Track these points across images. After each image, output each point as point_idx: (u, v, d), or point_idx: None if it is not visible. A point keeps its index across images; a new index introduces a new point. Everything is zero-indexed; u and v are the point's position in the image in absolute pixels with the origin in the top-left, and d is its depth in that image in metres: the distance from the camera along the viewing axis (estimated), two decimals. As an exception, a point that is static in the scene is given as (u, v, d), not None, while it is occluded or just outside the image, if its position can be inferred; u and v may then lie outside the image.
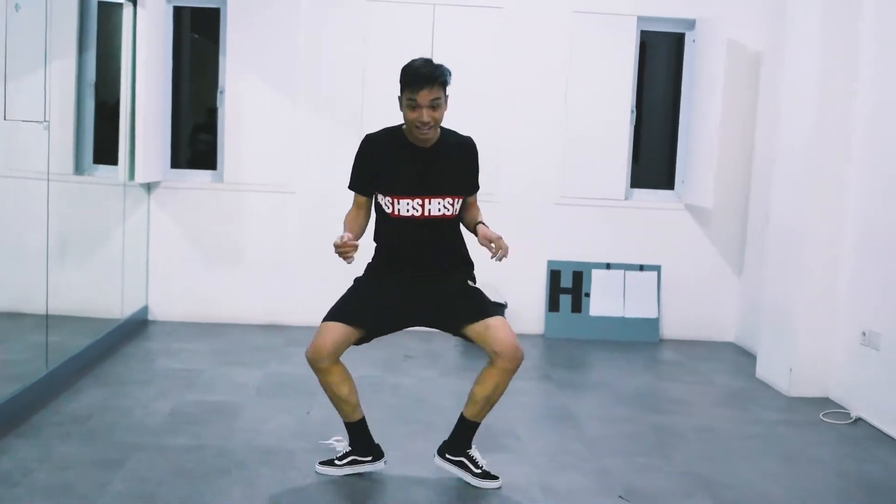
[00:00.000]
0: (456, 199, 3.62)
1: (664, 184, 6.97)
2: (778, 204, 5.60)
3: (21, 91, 4.68)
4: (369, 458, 3.83)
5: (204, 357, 5.66)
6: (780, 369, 5.44)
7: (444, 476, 3.85)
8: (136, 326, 6.30)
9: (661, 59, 7.17)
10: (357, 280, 3.79)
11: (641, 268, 6.66)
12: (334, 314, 3.64)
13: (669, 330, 6.74)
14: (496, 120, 6.52)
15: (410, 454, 4.11)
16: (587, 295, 6.64)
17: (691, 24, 6.60)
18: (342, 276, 6.44)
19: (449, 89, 3.52)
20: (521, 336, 6.49)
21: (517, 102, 6.53)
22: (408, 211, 3.55)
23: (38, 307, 5.02)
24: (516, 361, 3.65)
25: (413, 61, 3.51)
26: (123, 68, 5.97)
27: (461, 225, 3.78)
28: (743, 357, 6.32)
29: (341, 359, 3.68)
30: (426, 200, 3.54)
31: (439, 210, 3.57)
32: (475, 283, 3.81)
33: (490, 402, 3.72)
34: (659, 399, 5.28)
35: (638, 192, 6.79)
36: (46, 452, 3.88)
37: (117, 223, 6.10)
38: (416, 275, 3.63)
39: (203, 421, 4.44)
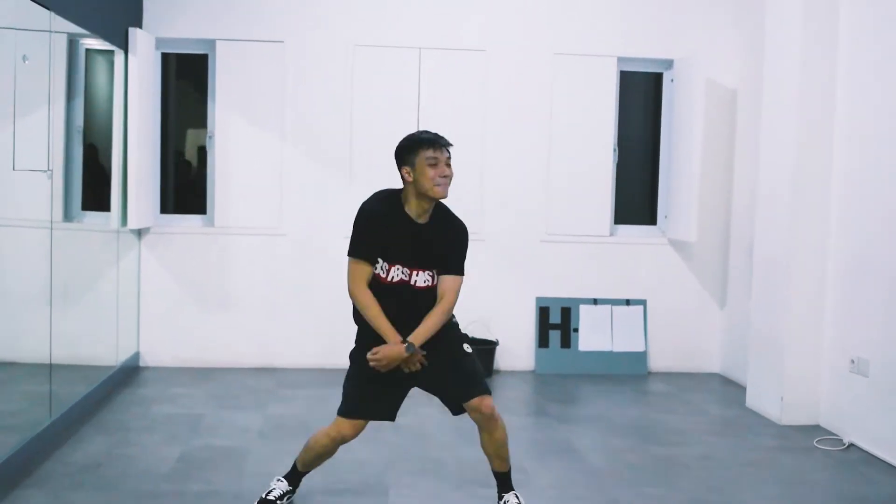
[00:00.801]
0: (438, 273, 3.72)
1: (647, 219, 7.14)
2: (762, 236, 5.77)
3: (26, 140, 4.71)
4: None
5: (202, 402, 5.66)
6: (771, 398, 5.58)
7: (462, 513, 3.90)
8: (129, 373, 6.28)
9: (640, 98, 7.38)
10: (353, 359, 3.83)
11: (628, 302, 6.80)
12: (351, 410, 3.76)
13: (657, 362, 6.87)
14: (481, 159, 6.65)
15: (423, 494, 4.15)
16: (576, 330, 6.75)
17: (669, 63, 6.81)
18: (331, 319, 6.53)
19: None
20: (512, 373, 6.65)
21: (502, 142, 6.67)
22: (397, 276, 3.65)
23: (35, 356, 5.01)
24: (499, 426, 3.76)
25: (421, 131, 3.78)
26: (115, 115, 6.01)
27: None
28: (730, 387, 6.46)
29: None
30: (413, 272, 3.65)
31: (424, 282, 3.68)
32: (469, 342, 3.86)
33: (502, 456, 3.84)
34: (656, 430, 5.37)
35: (622, 227, 6.94)
36: (61, 502, 3.87)
37: (110, 269, 6.10)
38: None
39: (213, 466, 4.44)
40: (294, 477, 3.91)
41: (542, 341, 6.73)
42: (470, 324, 6.61)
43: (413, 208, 3.66)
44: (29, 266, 5.04)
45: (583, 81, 6.73)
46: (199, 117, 6.81)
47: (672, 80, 6.81)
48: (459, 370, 3.71)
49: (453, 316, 3.84)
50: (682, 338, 6.90)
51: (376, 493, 4.13)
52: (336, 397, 5.52)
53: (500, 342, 6.64)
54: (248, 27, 6.50)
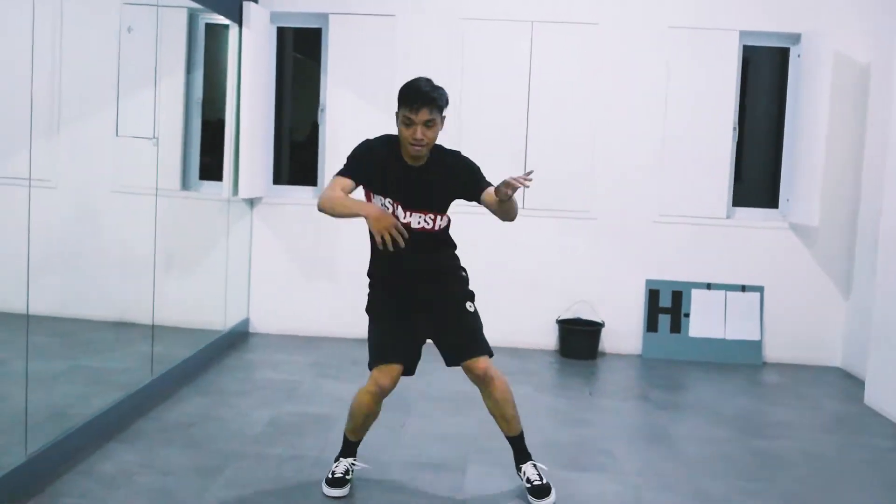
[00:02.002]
0: (438, 216, 3.65)
1: (768, 202, 6.79)
2: (890, 221, 5.38)
3: (132, 109, 4.87)
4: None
5: (302, 369, 5.76)
6: (890, 395, 5.22)
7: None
8: (238, 338, 6.45)
9: (764, 74, 7.01)
10: (368, 312, 3.84)
11: (743, 288, 6.49)
12: (379, 356, 3.71)
13: (773, 353, 6.53)
14: (593, 136, 6.47)
15: (502, 472, 4.07)
16: (686, 315, 6.50)
17: (796, 38, 6.43)
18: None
19: (448, 112, 3.63)
20: (618, 356, 6.46)
21: (615, 118, 6.47)
22: (423, 224, 3.63)
23: (145, 317, 5.21)
24: (496, 385, 3.77)
25: (415, 80, 3.59)
26: (229, 87, 6.15)
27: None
28: (850, 382, 6.08)
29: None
30: (409, 213, 3.59)
31: (419, 223, 3.60)
32: (473, 300, 3.81)
33: (506, 417, 3.82)
34: (761, 422, 5.12)
35: (740, 210, 6.62)
36: (149, 458, 4.00)
37: (221, 238, 6.27)
38: (410, 281, 3.68)
39: (301, 432, 4.50)
40: (349, 449, 3.87)
41: (651, 325, 6.52)
42: (575, 303, 6.48)
43: (406, 154, 3.61)
44: (137, 232, 5.23)
45: (701, 57, 6.43)
46: (314, 91, 6.90)
47: (799, 56, 6.43)
48: (461, 327, 3.70)
49: (464, 270, 3.80)
50: (801, 328, 6.53)
51: (454, 469, 4.09)
52: (433, 370, 5.51)
53: (605, 324, 6.47)
54: (360, 1, 6.52)
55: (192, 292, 6.30)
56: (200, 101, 6.52)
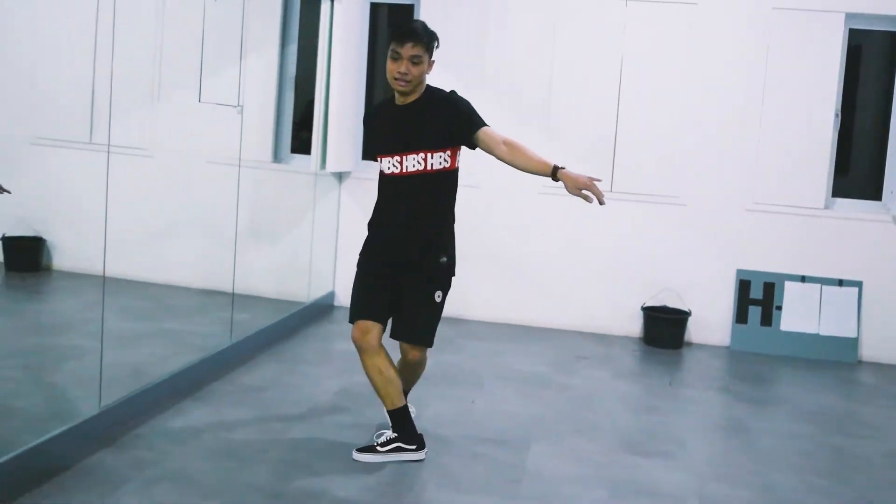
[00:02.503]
0: (431, 154, 3.61)
1: (871, 194, 6.47)
2: None
3: (219, 77, 4.97)
4: (414, 447, 3.79)
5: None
6: None
7: (603, 473, 3.74)
8: (322, 310, 6.54)
9: (877, 62, 6.68)
10: (358, 264, 3.84)
11: (840, 283, 6.21)
12: (362, 312, 3.73)
13: (870, 351, 6.23)
14: (686, 120, 6.28)
15: (565, 452, 4.01)
16: (778, 308, 6.26)
17: (909, 21, 6.11)
18: (520, 274, 6.46)
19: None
20: (704, 347, 6.28)
21: (709, 102, 6.26)
22: (388, 168, 3.66)
23: (230, 286, 5.33)
24: (416, 371, 3.97)
25: (410, 20, 3.66)
26: (320, 63, 6.22)
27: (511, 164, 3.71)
28: (952, 385, 5.75)
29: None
30: (403, 157, 3.61)
31: (414, 166, 3.61)
32: (444, 290, 3.81)
33: (408, 382, 3.98)
34: (847, 421, 4.88)
35: (840, 201, 6.33)
36: (217, 417, 4.09)
37: (307, 211, 6.36)
38: (399, 249, 3.70)
39: (368, 402, 4.52)
40: (396, 420, 3.81)
41: (741, 316, 6.30)
42: (661, 291, 6.33)
43: (397, 96, 3.67)
44: (225, 202, 5.34)
45: (804, 39, 6.15)
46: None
47: (911, 40, 6.10)
48: (418, 312, 3.72)
49: (448, 255, 3.78)
50: (902, 326, 6.22)
51: (517, 446, 4.03)
52: (511, 351, 5.52)
53: (692, 313, 6.29)
54: (454, -23, 6.51)
55: (278, 263, 6.43)
56: (294, 75, 6.63)
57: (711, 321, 6.36)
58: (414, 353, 3.80)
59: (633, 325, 6.43)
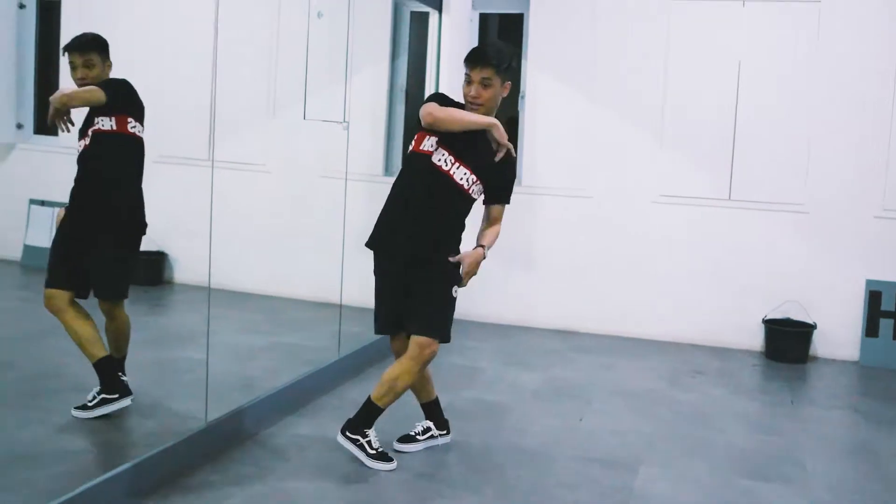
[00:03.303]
0: (476, 182, 3.61)
1: None
2: None
3: (326, 94, 5.02)
4: (444, 432, 4.05)
5: (488, 356, 5.73)
6: None
7: (716, 498, 3.56)
8: (432, 323, 6.51)
9: None
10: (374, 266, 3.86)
11: (981, 292, 5.79)
12: (386, 326, 3.90)
13: None
14: (808, 122, 5.98)
15: (675, 474, 3.84)
16: (913, 320, 5.89)
17: None
18: (632, 285, 6.28)
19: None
20: (832, 362, 5.96)
21: (833, 103, 5.93)
22: (438, 160, 3.59)
23: (346, 298, 5.37)
24: (413, 361, 3.72)
25: (486, 41, 3.56)
26: (428, 75, 6.22)
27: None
28: None
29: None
30: (457, 163, 3.58)
31: (460, 179, 3.58)
32: (457, 285, 3.70)
33: (393, 389, 3.74)
34: None
35: (984, 205, 5.91)
36: (322, 433, 4.10)
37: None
38: (407, 247, 3.66)
39: (474, 418, 4.47)
40: (431, 414, 4.04)
41: (871, 330, 5.94)
42: (784, 303, 6.04)
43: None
44: (335, 215, 5.40)
45: (940, 35, 5.78)
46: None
47: None
48: (427, 304, 3.66)
49: (453, 264, 3.66)
50: None
51: (625, 468, 3.89)
52: (623, 365, 5.36)
53: (818, 326, 5.98)
54: (563, -16, 6.39)
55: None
56: (404, 88, 6.65)
57: (839, 335, 6.02)
58: (414, 340, 3.69)
59: (754, 339, 6.15)
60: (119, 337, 4.10)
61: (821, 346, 6.05)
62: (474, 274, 3.66)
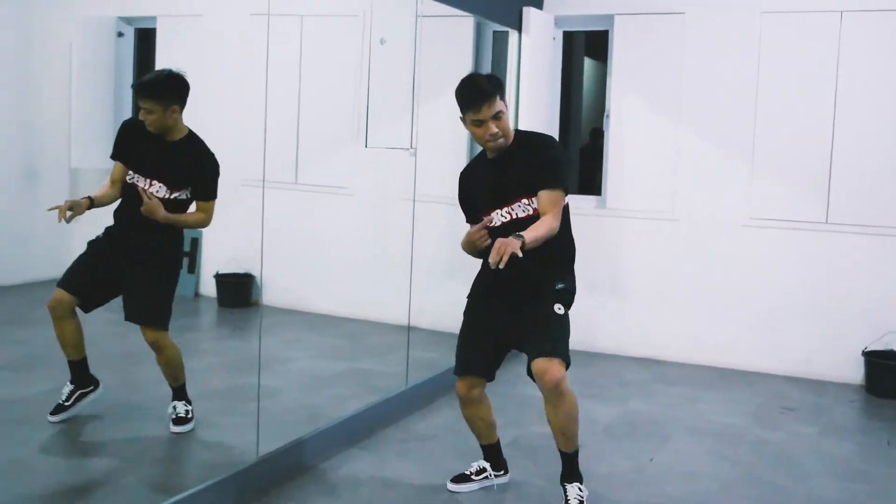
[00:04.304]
0: (519, 201, 3.45)
1: None
2: None
3: (393, 120, 4.98)
4: (501, 472, 3.91)
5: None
6: None
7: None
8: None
9: None
10: (465, 313, 3.73)
11: None
12: (456, 369, 3.76)
13: None
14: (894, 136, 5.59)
15: (746, 524, 3.61)
16: None
17: None
18: (722, 313, 5.99)
19: None
20: None
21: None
22: (501, 219, 3.48)
23: (419, 322, 5.31)
24: (560, 397, 3.41)
25: (465, 80, 3.45)
26: (508, 96, 6.09)
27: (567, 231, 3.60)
28: None
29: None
30: (510, 207, 3.45)
31: (524, 212, 3.44)
32: (566, 306, 3.57)
33: (563, 432, 3.50)
34: None
35: None
36: (380, 468, 4.03)
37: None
38: (509, 289, 3.52)
39: (539, 455, 4.31)
40: (490, 455, 3.91)
41: (984, 364, 5.50)
42: (887, 333, 5.65)
43: (488, 148, 3.50)
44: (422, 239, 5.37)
45: None
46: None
47: None
48: (539, 328, 3.46)
49: (564, 284, 3.51)
50: None
51: (690, 516, 3.68)
52: (708, 398, 5.13)
53: (923, 359, 5.57)
54: (647, 0, 6.17)
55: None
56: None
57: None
58: (551, 370, 3.35)
59: (854, 372, 5.76)
60: (171, 366, 4.14)
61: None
62: (502, 254, 3.05)
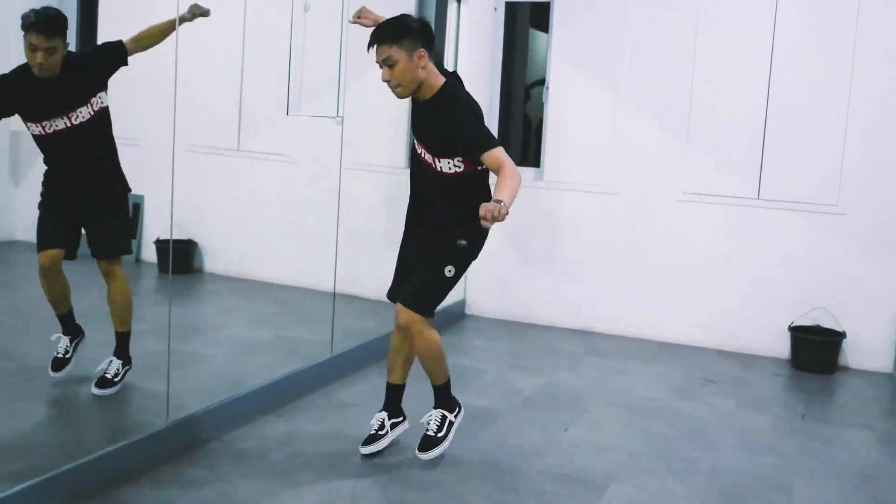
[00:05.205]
0: (439, 160, 3.48)
1: None
2: None
3: (318, 88, 4.96)
4: (400, 419, 3.99)
5: (496, 358, 5.60)
6: None
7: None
8: (452, 318, 6.41)
9: None
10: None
11: None
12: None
13: None
14: (845, 120, 5.62)
15: (651, 495, 3.66)
16: (951, 331, 5.51)
17: None
18: (655, 286, 6.04)
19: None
20: (862, 373, 5.62)
21: (870, 99, 5.54)
22: (423, 154, 3.58)
23: (348, 289, 5.32)
24: (412, 338, 3.66)
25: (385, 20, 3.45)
26: (447, 66, 6.07)
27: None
28: None
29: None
30: (434, 159, 3.52)
31: (450, 168, 3.49)
32: (457, 264, 3.63)
33: (426, 370, 3.80)
34: None
35: None
36: (293, 435, 4.06)
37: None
38: (425, 224, 3.70)
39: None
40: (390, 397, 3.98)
41: (906, 340, 5.60)
42: (813, 309, 5.73)
43: None
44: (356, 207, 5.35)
45: None
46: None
47: None
48: (419, 275, 3.60)
49: (466, 241, 3.52)
50: None
51: (595, 486, 3.71)
52: (634, 371, 5.13)
53: (847, 335, 5.65)
54: (590, -28, 6.16)
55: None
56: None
57: (871, 344, 5.68)
58: (402, 313, 3.59)
59: (781, 346, 5.85)
60: (120, 303, 4.22)
61: (851, 356, 5.73)
62: (492, 219, 3.01)
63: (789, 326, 5.76)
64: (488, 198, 3.48)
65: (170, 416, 3.77)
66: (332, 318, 5.09)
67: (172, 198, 3.92)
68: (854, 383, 5.48)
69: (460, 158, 3.45)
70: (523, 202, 6.45)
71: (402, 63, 3.34)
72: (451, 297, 6.42)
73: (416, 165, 3.67)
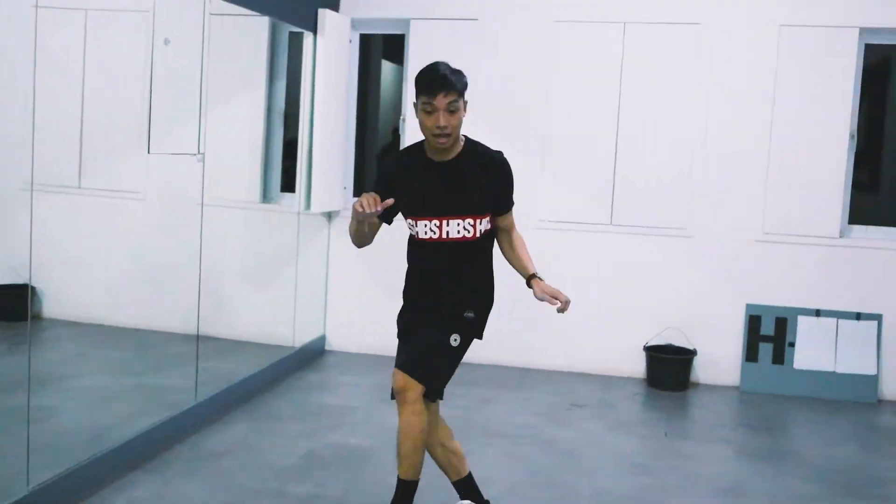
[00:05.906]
0: (479, 220, 3.31)
1: (893, 219, 6.05)
2: None
3: (180, 124, 4.78)
4: None
5: (364, 393, 5.54)
6: None
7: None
8: (312, 355, 6.30)
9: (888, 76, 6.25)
10: (398, 321, 3.63)
11: (858, 316, 5.79)
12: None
13: (891, 389, 5.81)
14: (691, 146, 5.93)
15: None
16: (791, 345, 5.86)
17: (928, 35, 5.68)
18: (517, 312, 6.14)
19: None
20: (713, 388, 5.90)
21: (714, 127, 5.90)
22: (426, 233, 3.31)
23: (215, 331, 5.13)
24: (398, 401, 3.41)
25: (432, 64, 3.24)
26: (303, 98, 6.00)
27: (499, 250, 3.52)
28: (983, 429, 5.31)
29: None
30: (444, 221, 3.28)
31: (458, 232, 3.29)
32: (465, 336, 3.46)
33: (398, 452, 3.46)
34: (863, 478, 4.46)
35: (857, 228, 5.92)
36: (163, 492, 3.86)
37: (291, 252, 6.14)
38: (432, 303, 3.44)
39: (333, 466, 4.27)
40: (465, 493, 3.66)
41: (751, 355, 5.92)
42: (666, 329, 5.97)
43: (431, 150, 3.29)
44: (216, 245, 5.16)
45: (814, 58, 5.77)
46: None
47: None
48: (420, 345, 3.41)
49: (473, 314, 3.45)
50: (927, 363, 5.78)
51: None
52: (504, 399, 5.14)
53: (698, 352, 5.93)
54: (443, 5, 6.23)
55: (264, 307, 6.21)
56: (283, 111, 6.42)
57: (720, 360, 5.99)
58: (399, 379, 3.37)
59: (637, 366, 6.08)
60: None
61: (702, 372, 6.01)
62: (566, 302, 3.34)
63: (644, 346, 5.98)
64: (491, 265, 3.49)
65: (30, 479, 3.51)
66: (196, 362, 4.89)
67: None
68: (707, 399, 5.74)
69: (471, 221, 3.31)
70: (383, 233, 6.46)
71: (460, 115, 3.22)
72: (312, 332, 6.36)
73: (427, 247, 3.37)
